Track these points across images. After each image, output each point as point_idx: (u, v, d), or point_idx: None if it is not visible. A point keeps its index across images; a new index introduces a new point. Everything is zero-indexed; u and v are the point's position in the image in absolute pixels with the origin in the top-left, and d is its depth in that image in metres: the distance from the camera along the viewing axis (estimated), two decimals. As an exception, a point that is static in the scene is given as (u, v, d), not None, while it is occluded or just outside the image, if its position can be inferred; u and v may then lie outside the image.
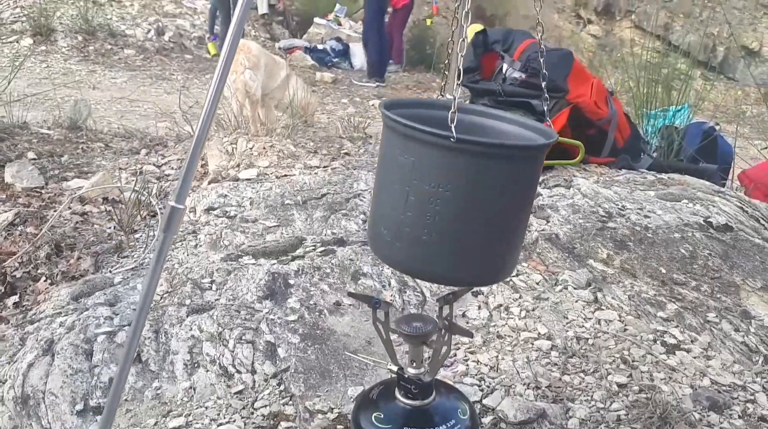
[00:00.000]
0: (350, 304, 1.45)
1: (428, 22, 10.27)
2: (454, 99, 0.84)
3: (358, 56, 9.72)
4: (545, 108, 1.27)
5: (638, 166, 2.84)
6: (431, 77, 9.98)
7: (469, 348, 1.35)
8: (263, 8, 9.34)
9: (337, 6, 9.93)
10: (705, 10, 11.97)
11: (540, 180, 2.39)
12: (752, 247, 1.74)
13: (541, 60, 1.24)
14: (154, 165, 2.85)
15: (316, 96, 7.93)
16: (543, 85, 1.22)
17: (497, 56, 2.80)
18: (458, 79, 0.91)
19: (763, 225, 1.90)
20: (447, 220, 0.80)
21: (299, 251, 1.67)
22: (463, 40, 1.02)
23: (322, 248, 1.69)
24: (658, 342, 1.41)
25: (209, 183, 2.50)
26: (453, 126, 0.80)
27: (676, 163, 2.92)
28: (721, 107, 11.37)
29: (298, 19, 10.41)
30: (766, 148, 4.15)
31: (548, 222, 1.90)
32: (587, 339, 1.41)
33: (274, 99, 5.88)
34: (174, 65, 7.75)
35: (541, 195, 2.14)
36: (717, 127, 4.06)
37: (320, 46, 9.45)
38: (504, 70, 2.74)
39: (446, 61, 1.17)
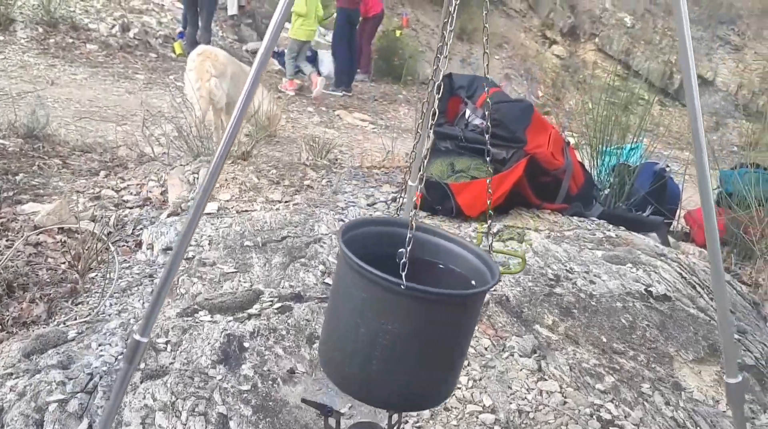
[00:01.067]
0: (304, 372, 1.49)
1: (398, 33, 10.32)
2: (406, 251, 0.86)
3: (326, 63, 9.71)
4: (486, 157, 1.32)
5: (589, 214, 2.96)
6: (398, 88, 10.05)
7: (417, 422, 1.40)
8: (233, 9, 9.25)
9: (315, 14, 9.90)
10: (665, 38, 12.39)
11: (495, 231, 2.48)
12: (687, 318, 1.85)
13: (488, 100, 1.29)
14: (113, 189, 2.82)
15: (281, 103, 7.92)
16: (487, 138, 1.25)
17: (461, 100, 2.88)
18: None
19: (700, 292, 2.02)
20: (395, 353, 0.85)
21: (256, 307, 1.70)
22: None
23: (279, 304, 1.72)
24: (594, 416, 1.50)
25: (169, 215, 2.50)
26: (404, 274, 0.84)
27: (625, 214, 3.05)
28: (675, 133, 11.81)
29: (268, 21, 10.34)
30: (714, 189, 4.33)
31: (500, 281, 1.97)
32: (528, 412, 1.48)
33: (240, 107, 5.85)
34: (138, 64, 7.61)
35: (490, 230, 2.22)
36: (667, 169, 4.24)
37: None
38: (467, 116, 2.82)
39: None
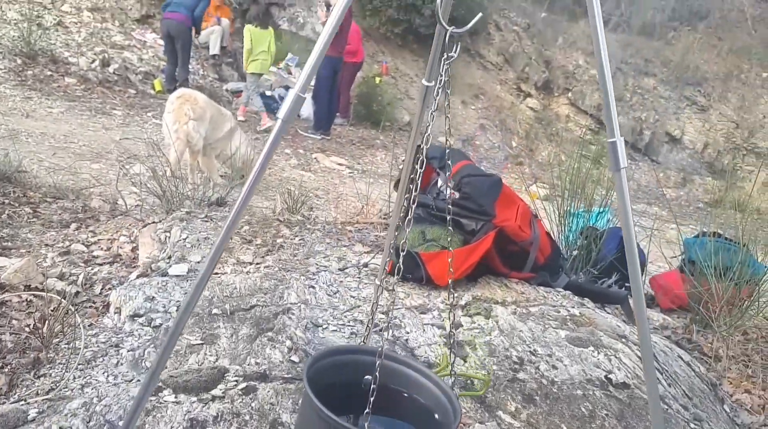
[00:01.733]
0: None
1: (377, 80, 10.53)
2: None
3: (306, 106, 9.84)
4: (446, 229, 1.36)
5: (556, 284, 3.03)
6: (376, 134, 10.20)
7: None
8: (214, 49, 9.36)
9: (289, 55, 10.06)
10: (635, 96, 12.84)
11: (463, 303, 2.52)
12: (645, 406, 1.89)
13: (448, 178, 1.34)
14: (83, 243, 2.80)
15: (260, 143, 7.96)
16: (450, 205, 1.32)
17: (433, 169, 2.95)
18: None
19: (659, 378, 2.07)
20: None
21: (220, 388, 1.69)
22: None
23: (244, 384, 1.72)
24: None
25: (138, 276, 2.49)
26: (372, 399, 0.87)
27: (590, 287, 3.12)
28: (644, 187, 12.15)
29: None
30: (674, 256, 4.45)
31: (465, 361, 2.01)
32: None
33: (216, 149, 5.88)
34: (116, 99, 7.61)
35: (462, 325, 2.26)
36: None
37: (268, 93, 9.51)
38: (439, 185, 2.89)
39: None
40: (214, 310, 2.19)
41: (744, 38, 14.14)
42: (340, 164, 8.11)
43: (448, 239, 1.66)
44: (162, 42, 9.35)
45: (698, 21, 14.77)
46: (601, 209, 4.47)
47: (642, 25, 13.86)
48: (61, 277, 2.46)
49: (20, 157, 4.70)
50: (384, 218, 3.81)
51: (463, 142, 11.26)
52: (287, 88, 9.73)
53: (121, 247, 2.79)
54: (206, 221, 3.10)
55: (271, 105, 9.36)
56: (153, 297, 2.24)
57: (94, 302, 2.34)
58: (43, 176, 4.66)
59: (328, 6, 8.60)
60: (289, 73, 9.98)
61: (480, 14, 1.55)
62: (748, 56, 13.74)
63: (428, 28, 10.92)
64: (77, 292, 2.37)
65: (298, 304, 2.27)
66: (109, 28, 8.90)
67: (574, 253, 4.02)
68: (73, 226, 2.96)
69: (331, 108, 8.92)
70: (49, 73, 7.60)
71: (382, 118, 10.62)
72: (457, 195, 2.72)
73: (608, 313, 2.84)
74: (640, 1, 14.03)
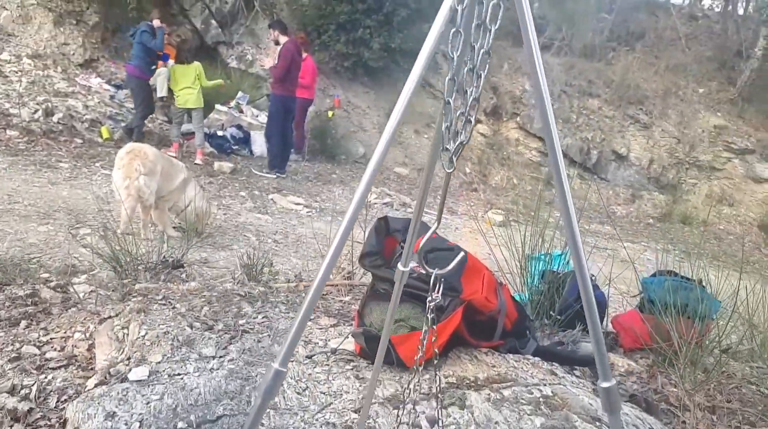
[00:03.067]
0: None
1: (330, 114, 10.54)
2: None
3: (259, 143, 9.76)
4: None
5: (525, 351, 3.05)
6: (332, 168, 10.18)
7: None
8: (162, 91, 9.15)
9: (240, 93, 9.97)
10: (581, 117, 13.22)
11: (439, 391, 2.49)
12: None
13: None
14: (34, 344, 2.65)
15: (214, 187, 7.82)
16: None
17: (396, 240, 2.93)
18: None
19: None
20: None
21: None
22: None
23: None
24: None
25: (96, 385, 2.37)
26: None
27: (557, 352, 3.16)
28: (595, 206, 12.47)
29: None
30: (633, 296, 4.54)
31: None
32: None
33: (170, 201, 5.73)
34: (62, 150, 7.37)
35: (440, 421, 2.23)
36: (593, 277, 4.43)
37: (220, 133, 9.39)
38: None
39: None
40: (180, 424, 2.10)
41: (679, 56, 14.78)
42: (297, 204, 8.04)
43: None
44: (108, 86, 9.15)
45: (635, 41, 15.38)
46: (561, 252, 4.53)
47: (583, 47, 14.33)
48: (11, 390, 2.32)
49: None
50: (348, 278, 3.77)
51: (418, 171, 11.35)
52: (239, 127, 9.62)
53: (76, 346, 2.66)
54: (164, 305, 2.99)
55: (222, 145, 9.24)
56: (114, 412, 2.13)
57: (49, 419, 2.22)
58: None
59: (276, 42, 8.55)
60: (240, 111, 9.87)
61: (462, 253, 1.61)
62: (684, 73, 14.36)
63: (377, 61, 11.01)
64: (30, 410, 2.23)
65: (267, 411, 2.20)
66: (52, 75, 8.63)
67: (540, 297, 4.07)
68: (23, 323, 2.81)
69: (285, 146, 8.86)
70: (-12, 126, 7.30)
71: (337, 152, 10.63)
72: (422, 269, 2.70)
73: (578, 378, 2.87)
74: (580, 23, 14.50)
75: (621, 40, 15.40)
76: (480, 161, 12.09)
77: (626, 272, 4.84)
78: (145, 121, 8.34)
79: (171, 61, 9.29)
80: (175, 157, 7.98)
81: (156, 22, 8.13)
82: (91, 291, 3.14)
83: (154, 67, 8.06)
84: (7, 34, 9.04)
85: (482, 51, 1.08)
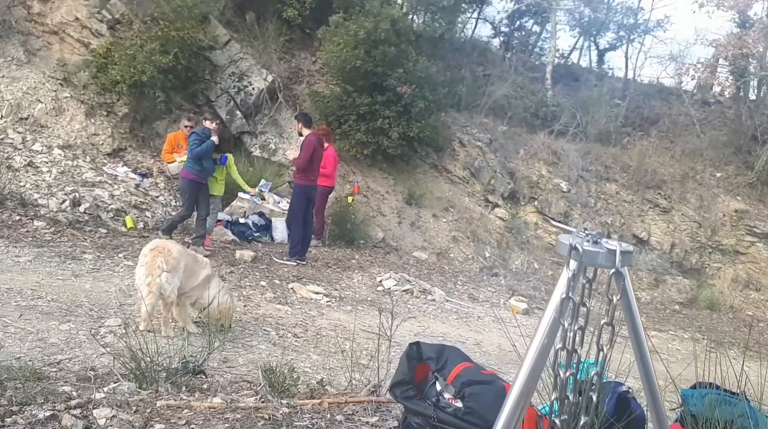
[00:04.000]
0: None
1: (349, 200, 10.67)
2: None
3: (280, 230, 9.84)
4: None
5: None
6: (351, 253, 10.16)
7: None
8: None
9: (262, 181, 10.17)
10: (599, 202, 13.24)
11: None
12: None
13: None
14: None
15: (235, 277, 7.81)
16: None
17: (429, 368, 2.82)
18: None
19: None
20: None
21: None
22: None
23: None
24: None
25: None
26: None
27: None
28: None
29: (221, 191, 10.55)
30: (673, 408, 4.29)
31: None
32: None
33: (192, 297, 5.68)
34: (86, 241, 7.46)
35: None
36: (629, 391, 4.25)
37: (242, 220, 9.50)
38: (438, 388, 2.73)
39: None
40: None
41: (694, 141, 14.93)
42: (317, 293, 7.98)
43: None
44: (134, 175, 9.40)
45: (650, 126, 15.62)
46: (593, 360, 4.31)
47: (598, 132, 14.55)
48: None
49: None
50: (373, 392, 3.65)
51: (437, 256, 11.31)
52: (261, 214, 9.75)
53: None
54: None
55: (244, 232, 9.33)
56: None
57: None
58: (8, 345, 4.43)
59: (300, 134, 8.81)
60: (263, 199, 10.03)
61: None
62: (701, 158, 14.46)
63: (396, 149, 11.25)
64: None
65: None
66: (81, 164, 8.89)
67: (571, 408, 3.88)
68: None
69: (306, 234, 8.91)
70: (17, 217, 7.45)
71: (357, 236, 10.66)
72: (459, 404, 2.57)
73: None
74: (595, 110, 14.80)
75: (635, 125, 15.64)
76: (499, 245, 12.05)
77: (656, 364, 4.65)
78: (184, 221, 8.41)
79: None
80: (212, 249, 8.06)
81: (207, 124, 8.09)
82: (113, 416, 3.05)
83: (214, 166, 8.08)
84: (40, 125, 9.41)
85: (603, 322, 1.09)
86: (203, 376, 3.89)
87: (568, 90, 16.54)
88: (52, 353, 4.54)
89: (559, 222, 12.62)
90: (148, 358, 3.56)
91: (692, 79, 16.90)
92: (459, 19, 15.05)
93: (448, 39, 13.67)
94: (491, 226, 12.41)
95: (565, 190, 12.94)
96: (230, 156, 8.47)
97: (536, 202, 12.78)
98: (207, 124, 8.03)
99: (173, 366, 3.77)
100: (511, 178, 12.81)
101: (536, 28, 19.21)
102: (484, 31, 19.58)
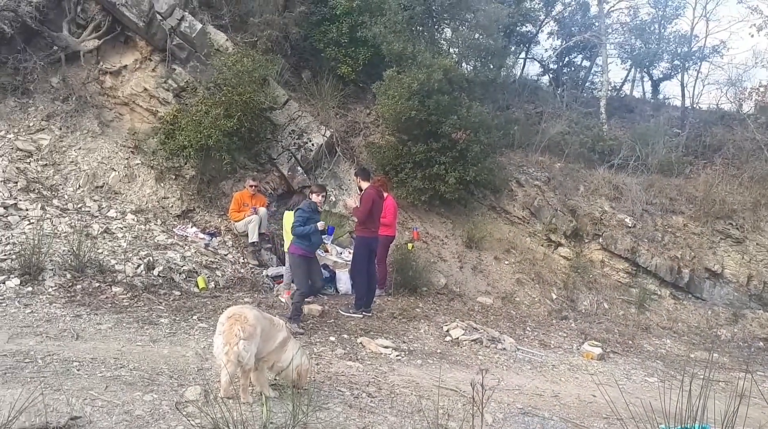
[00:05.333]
0: None
1: (410, 246, 10.68)
2: None
3: (344, 281, 9.91)
4: None
5: None
6: (415, 301, 10.10)
7: None
8: (253, 237, 9.62)
9: (328, 227, 10.30)
10: (666, 235, 12.79)
11: None
12: None
13: None
14: None
15: (306, 333, 7.86)
16: None
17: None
18: None
19: None
20: None
21: None
22: None
23: None
24: None
25: None
26: None
27: None
28: (695, 328, 11.69)
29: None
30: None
31: None
32: None
33: (269, 361, 5.73)
34: (162, 304, 7.68)
35: None
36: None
37: (307, 274, 9.58)
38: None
39: None
40: None
41: (762, 166, 14.32)
42: (386, 347, 7.93)
43: None
44: (203, 235, 9.68)
45: (713, 154, 15.11)
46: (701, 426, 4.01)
47: (659, 164, 14.17)
48: None
49: (73, 400, 4.61)
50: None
51: (502, 300, 11.11)
52: (325, 266, 9.84)
53: None
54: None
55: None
56: None
57: None
58: (97, 419, 4.54)
59: (360, 188, 8.97)
60: (326, 250, 10.14)
61: None
62: (772, 183, 13.83)
63: (453, 193, 11.24)
64: None
65: None
66: (152, 228, 9.24)
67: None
68: None
69: (370, 285, 8.95)
70: (96, 284, 7.75)
71: (419, 284, 10.61)
72: None
73: None
74: (654, 141, 14.45)
75: (698, 154, 15.17)
76: (566, 286, 11.75)
77: (751, 410, 4.37)
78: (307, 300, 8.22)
79: (262, 209, 9.83)
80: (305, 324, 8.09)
81: (314, 196, 7.83)
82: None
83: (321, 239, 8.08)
84: (114, 192, 9.86)
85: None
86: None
87: (623, 122, 16.25)
88: (139, 426, 4.65)
89: (626, 258, 12.25)
90: (228, 424, 3.61)
91: (754, 104, 16.36)
92: (508, 60, 15.12)
93: (499, 83, 13.72)
94: (555, 266, 12.15)
95: (630, 225, 12.59)
96: (291, 213, 8.67)
97: (601, 239, 12.45)
98: (314, 197, 7.85)
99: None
100: (572, 215, 12.56)
101: (586, 63, 19.08)
102: (533, 69, 19.62)
